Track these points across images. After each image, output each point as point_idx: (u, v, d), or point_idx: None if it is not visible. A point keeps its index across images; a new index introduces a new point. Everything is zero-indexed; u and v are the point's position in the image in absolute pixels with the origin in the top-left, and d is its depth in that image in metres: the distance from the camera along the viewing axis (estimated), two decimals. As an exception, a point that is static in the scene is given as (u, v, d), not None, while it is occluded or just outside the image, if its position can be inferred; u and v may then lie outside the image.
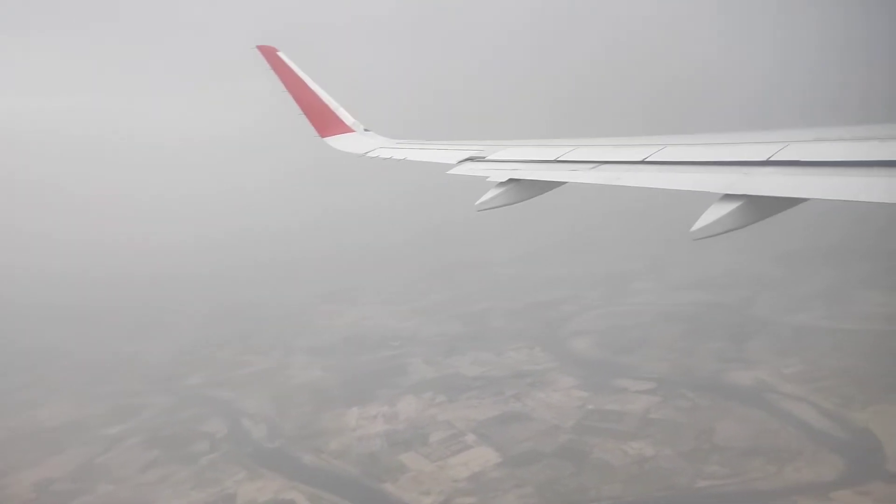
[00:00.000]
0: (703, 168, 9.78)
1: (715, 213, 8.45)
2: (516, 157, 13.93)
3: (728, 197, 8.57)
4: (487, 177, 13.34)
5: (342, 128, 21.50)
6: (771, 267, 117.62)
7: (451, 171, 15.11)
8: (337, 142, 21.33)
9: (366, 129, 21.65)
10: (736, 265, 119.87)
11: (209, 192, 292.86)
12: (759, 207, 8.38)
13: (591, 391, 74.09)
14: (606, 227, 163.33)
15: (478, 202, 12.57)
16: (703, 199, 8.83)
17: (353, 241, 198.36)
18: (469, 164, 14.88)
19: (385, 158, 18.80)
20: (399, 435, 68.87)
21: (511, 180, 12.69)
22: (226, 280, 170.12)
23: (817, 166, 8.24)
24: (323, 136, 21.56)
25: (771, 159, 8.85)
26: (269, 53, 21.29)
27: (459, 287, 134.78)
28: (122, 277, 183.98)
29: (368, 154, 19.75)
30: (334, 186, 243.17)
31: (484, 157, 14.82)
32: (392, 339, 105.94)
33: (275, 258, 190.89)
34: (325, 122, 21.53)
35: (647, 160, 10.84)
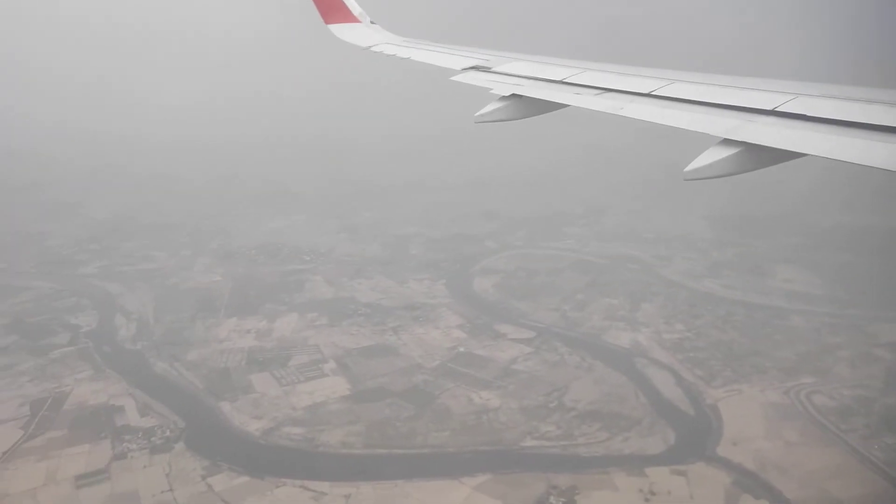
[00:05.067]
0: (707, 110, 9.74)
1: (711, 156, 8.44)
2: (522, 73, 13.76)
3: (727, 142, 8.55)
4: (491, 89, 13.18)
5: (348, 16, 20.88)
6: (703, 229, 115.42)
7: (455, 78, 14.91)
8: (341, 31, 20.80)
9: (372, 22, 20.98)
10: (672, 222, 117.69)
11: (199, 67, 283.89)
12: (756, 157, 8.33)
13: (470, 333, 72.76)
14: (579, 163, 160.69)
15: (477, 114, 12.41)
16: (701, 141, 8.77)
17: (320, 134, 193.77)
18: (473, 73, 14.76)
19: (389, 55, 18.37)
20: (263, 353, 67.45)
21: (514, 96, 12.52)
22: (174, 156, 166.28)
23: (821, 123, 8.17)
24: (327, 22, 20.90)
25: (777, 109, 8.84)
26: None
27: (396, 207, 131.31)
28: (66, 139, 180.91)
29: (372, 48, 19.22)
30: (326, 72, 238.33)
31: (489, 68, 14.69)
32: (307, 253, 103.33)
33: (236, 140, 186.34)
34: (330, 7, 20.76)
35: (652, 93, 10.88)
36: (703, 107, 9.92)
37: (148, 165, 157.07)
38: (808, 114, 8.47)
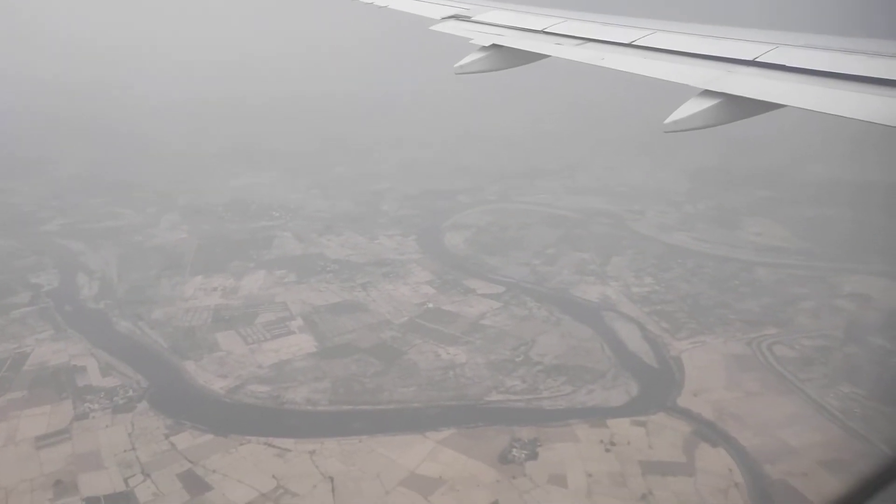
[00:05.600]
0: (688, 60, 9.70)
1: (691, 108, 8.44)
2: (502, 22, 13.60)
3: (707, 93, 8.54)
4: (471, 39, 12.99)
5: None
6: (680, 182, 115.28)
7: (434, 28, 14.52)
8: None
9: None
10: (647, 176, 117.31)
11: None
12: (736, 108, 8.32)
13: (440, 289, 72.51)
14: (559, 117, 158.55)
15: (457, 65, 12.20)
16: (681, 93, 8.81)
17: (296, 93, 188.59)
18: (453, 23, 14.44)
19: (367, 3, 17.97)
20: (229, 311, 66.69)
21: (494, 46, 12.35)
22: (144, 112, 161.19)
23: (801, 73, 8.20)
24: None
25: (757, 60, 8.89)
26: None
27: (369, 163, 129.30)
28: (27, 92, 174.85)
29: None
30: (304, 28, 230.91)
31: (469, 17, 14.43)
32: (276, 209, 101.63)
33: (209, 98, 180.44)
34: None
35: (634, 43, 10.81)
36: (684, 57, 9.83)
37: (118, 120, 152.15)
38: (789, 64, 8.45)
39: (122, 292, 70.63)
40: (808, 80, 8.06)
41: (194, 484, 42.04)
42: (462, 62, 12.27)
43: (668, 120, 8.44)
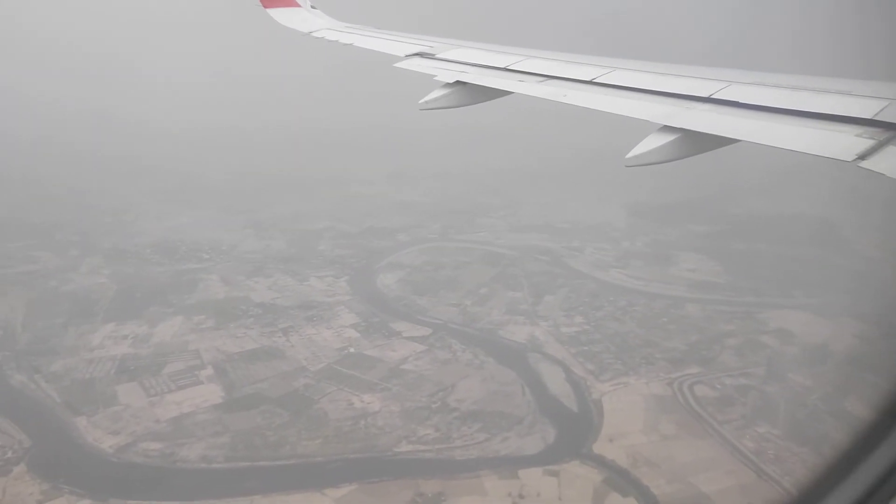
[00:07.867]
0: (647, 97, 10.03)
1: (651, 143, 8.73)
2: (466, 59, 13.76)
3: (666, 128, 8.87)
4: (435, 76, 13.16)
5: (288, 0, 20.74)
6: (620, 218, 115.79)
7: (398, 65, 14.73)
8: (281, 15, 20.61)
9: (313, 7, 21.00)
10: (590, 212, 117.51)
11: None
12: (693, 142, 8.68)
13: (364, 332, 70.10)
14: (503, 154, 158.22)
15: (421, 101, 12.35)
16: (641, 128, 9.07)
17: (236, 124, 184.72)
18: (417, 60, 14.64)
19: (330, 41, 18.15)
20: (136, 361, 63.10)
21: (458, 83, 12.51)
22: (74, 152, 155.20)
23: (753, 109, 8.65)
24: (266, 6, 20.68)
25: (712, 97, 9.27)
26: None
27: (309, 202, 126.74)
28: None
29: (313, 34, 19.16)
30: (261, 57, 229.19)
31: (433, 55, 14.64)
32: (206, 250, 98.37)
33: (147, 128, 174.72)
34: None
35: (594, 81, 11.08)
36: (642, 94, 10.08)
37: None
38: (741, 101, 8.83)
39: (23, 342, 66.49)
40: (759, 115, 8.44)
41: (59, 558, 38.40)
42: (426, 98, 12.35)
43: (630, 155, 8.59)
